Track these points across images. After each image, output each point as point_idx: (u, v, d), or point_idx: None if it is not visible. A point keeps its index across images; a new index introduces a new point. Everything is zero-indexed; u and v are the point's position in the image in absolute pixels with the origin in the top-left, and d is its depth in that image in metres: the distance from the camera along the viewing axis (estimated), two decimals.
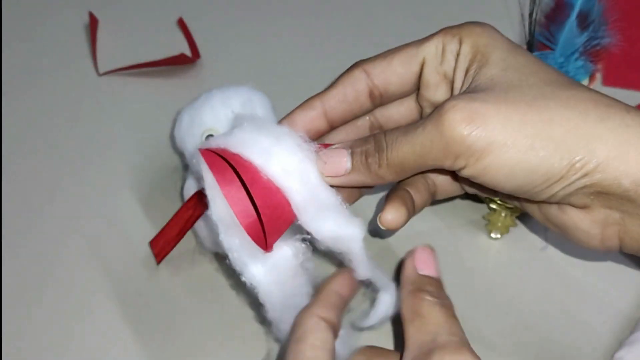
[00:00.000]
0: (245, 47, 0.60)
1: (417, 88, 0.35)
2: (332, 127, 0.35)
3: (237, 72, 0.57)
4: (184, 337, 0.39)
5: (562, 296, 0.32)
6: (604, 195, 0.28)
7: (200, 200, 0.38)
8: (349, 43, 0.60)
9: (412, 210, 0.34)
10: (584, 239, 0.31)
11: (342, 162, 0.32)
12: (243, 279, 0.32)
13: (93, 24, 0.60)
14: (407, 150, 0.30)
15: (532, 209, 0.34)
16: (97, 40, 0.59)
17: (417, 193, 0.35)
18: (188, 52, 0.58)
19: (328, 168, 0.32)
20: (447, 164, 0.29)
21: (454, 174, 0.35)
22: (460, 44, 0.32)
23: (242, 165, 0.32)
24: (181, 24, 0.61)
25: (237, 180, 0.31)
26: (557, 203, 0.31)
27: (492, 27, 0.33)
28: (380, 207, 0.35)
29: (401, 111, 0.36)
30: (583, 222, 0.31)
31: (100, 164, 0.49)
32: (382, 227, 0.33)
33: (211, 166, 0.32)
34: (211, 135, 0.39)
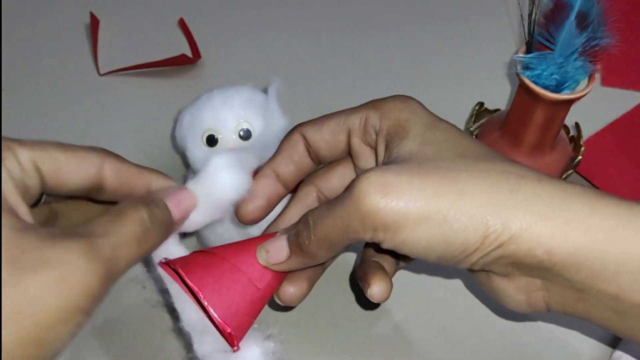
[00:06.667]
0: (246, 47, 0.60)
1: (348, 154, 0.36)
2: (288, 189, 0.37)
3: (238, 72, 0.57)
4: None
5: None
6: (521, 264, 0.29)
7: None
8: (350, 42, 0.61)
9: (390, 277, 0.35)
10: (512, 304, 0.32)
11: (282, 248, 0.33)
12: None
13: (94, 24, 0.60)
14: (330, 225, 0.30)
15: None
16: (98, 40, 0.59)
17: (386, 262, 0.35)
18: (189, 53, 0.58)
19: (270, 257, 0.33)
20: (368, 237, 0.29)
21: None
22: (381, 119, 0.33)
23: (209, 265, 0.32)
24: (182, 25, 0.61)
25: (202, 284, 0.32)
26: (481, 270, 0.31)
27: (416, 101, 0.33)
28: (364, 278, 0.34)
29: (344, 183, 0.36)
30: (508, 288, 0.31)
31: None
32: (374, 301, 0.33)
33: (175, 277, 0.33)
34: (212, 136, 0.39)
